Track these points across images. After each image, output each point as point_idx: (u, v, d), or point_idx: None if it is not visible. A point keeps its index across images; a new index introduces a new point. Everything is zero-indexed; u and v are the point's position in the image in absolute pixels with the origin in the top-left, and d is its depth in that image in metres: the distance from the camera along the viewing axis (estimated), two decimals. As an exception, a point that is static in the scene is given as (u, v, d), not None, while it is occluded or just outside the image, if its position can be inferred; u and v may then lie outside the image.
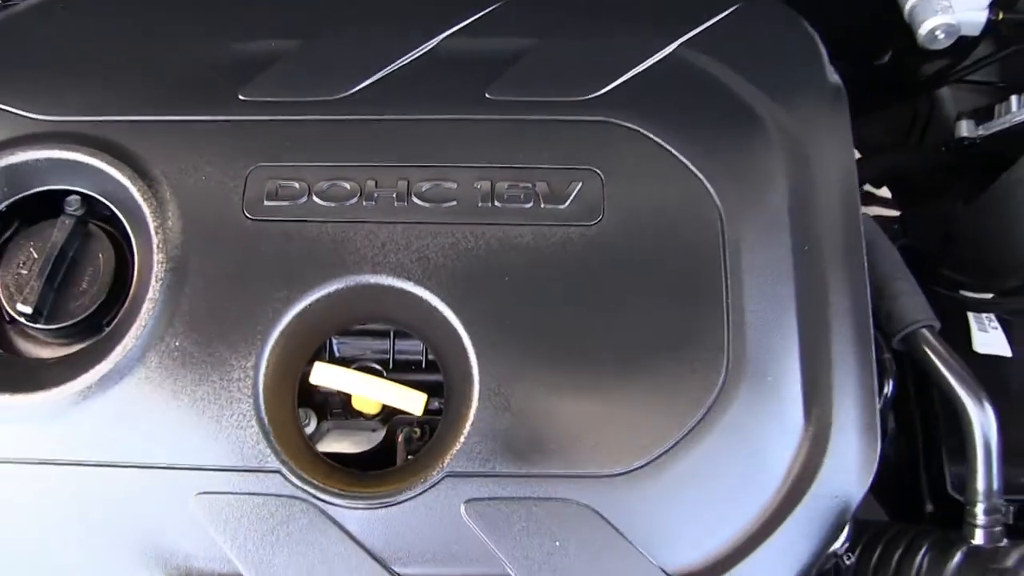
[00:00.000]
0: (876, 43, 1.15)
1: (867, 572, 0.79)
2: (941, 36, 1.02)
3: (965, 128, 1.06)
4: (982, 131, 1.08)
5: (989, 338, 0.92)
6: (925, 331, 0.81)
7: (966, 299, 0.93)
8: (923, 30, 1.01)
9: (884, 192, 1.41)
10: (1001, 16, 1.02)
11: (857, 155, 0.96)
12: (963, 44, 1.16)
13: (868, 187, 1.35)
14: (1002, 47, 1.12)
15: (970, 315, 0.90)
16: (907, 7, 1.04)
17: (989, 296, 0.91)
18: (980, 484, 0.76)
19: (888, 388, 0.90)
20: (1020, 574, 0.68)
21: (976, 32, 1.03)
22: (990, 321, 0.91)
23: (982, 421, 0.77)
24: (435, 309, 0.70)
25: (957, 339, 0.95)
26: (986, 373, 0.94)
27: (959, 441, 0.76)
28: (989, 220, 0.94)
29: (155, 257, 0.70)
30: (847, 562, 0.76)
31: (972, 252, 0.96)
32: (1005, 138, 1.02)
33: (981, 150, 1.11)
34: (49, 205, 0.76)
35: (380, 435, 0.77)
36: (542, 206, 0.73)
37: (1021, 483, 1.02)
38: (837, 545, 0.75)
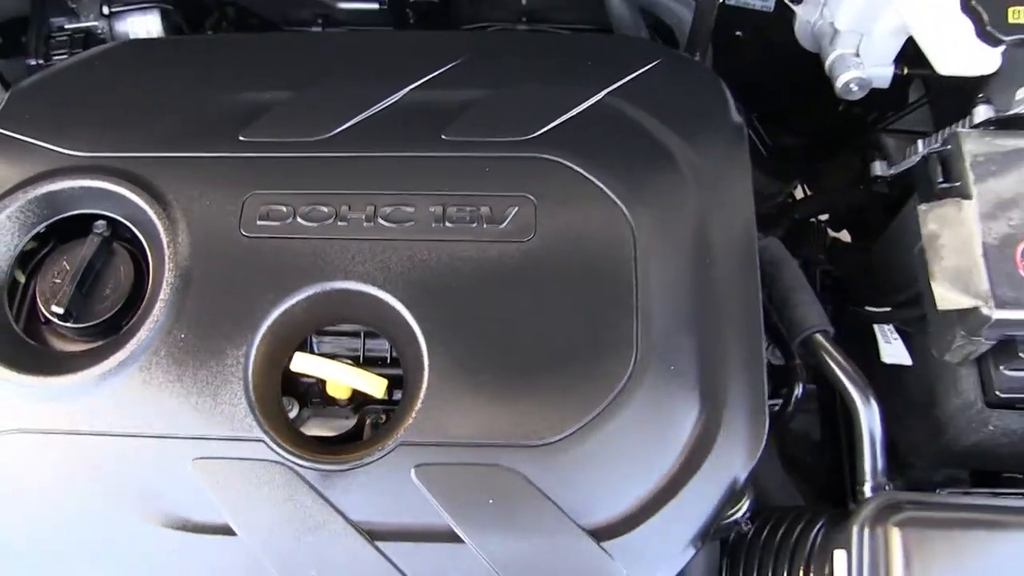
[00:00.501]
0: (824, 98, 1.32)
1: (773, 544, 0.94)
2: (855, 88, 1.20)
3: (879, 168, 1.23)
4: (893, 170, 1.25)
5: (892, 349, 1.08)
6: (819, 336, 0.97)
7: (870, 313, 1.09)
8: (839, 83, 1.20)
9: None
10: (906, 71, 1.20)
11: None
12: (895, 96, 1.34)
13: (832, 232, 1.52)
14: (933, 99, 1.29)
15: (875, 327, 1.07)
16: (827, 63, 1.22)
17: (888, 309, 1.08)
18: (867, 466, 0.91)
19: (798, 390, 1.05)
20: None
21: (886, 85, 1.20)
22: (891, 332, 1.07)
23: (867, 413, 0.93)
24: (394, 309, 0.87)
25: (870, 351, 1.11)
26: (891, 380, 1.10)
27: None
28: (890, 249, 1.10)
29: (166, 267, 0.88)
30: (744, 528, 0.91)
31: (881, 276, 1.12)
32: (911, 177, 1.18)
33: (898, 188, 1.28)
34: (79, 226, 0.95)
35: (352, 421, 0.94)
36: (484, 226, 0.90)
37: (934, 480, 1.17)
38: (740, 515, 0.91)
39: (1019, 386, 0.93)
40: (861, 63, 1.18)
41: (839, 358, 0.95)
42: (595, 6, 1.30)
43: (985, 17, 0.90)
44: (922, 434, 1.06)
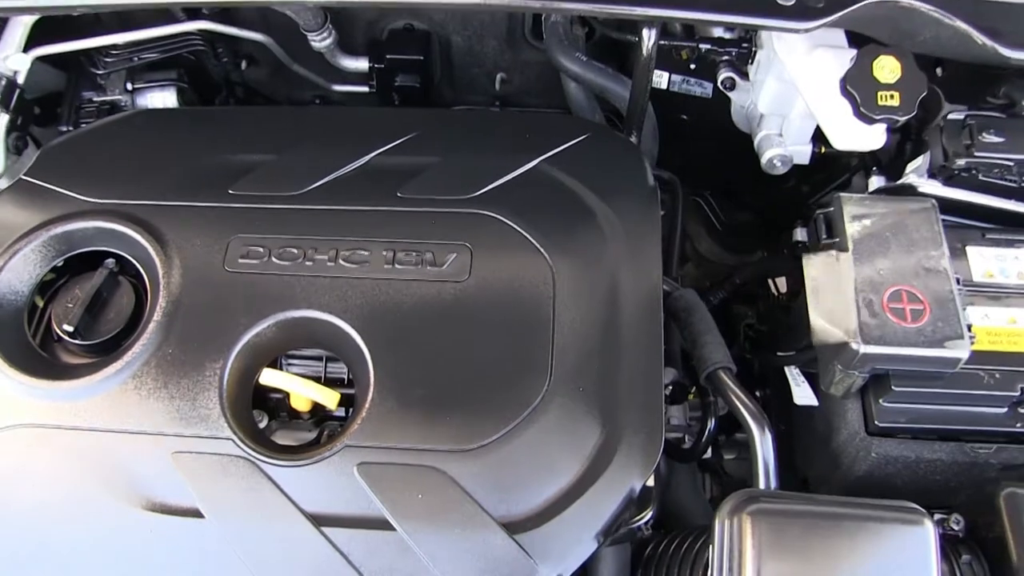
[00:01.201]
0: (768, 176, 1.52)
1: (679, 554, 1.10)
2: (778, 164, 1.40)
3: (799, 234, 1.42)
4: (808, 237, 1.44)
5: (802, 391, 1.25)
6: (721, 372, 1.15)
7: (780, 357, 1.26)
8: (764, 159, 1.40)
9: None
10: (823, 149, 1.40)
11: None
12: (837, 171, 1.52)
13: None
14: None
15: (786, 371, 1.24)
16: (756, 142, 1.43)
17: (793, 353, 1.25)
18: (761, 486, 1.08)
19: (711, 424, 1.22)
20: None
21: (806, 161, 1.40)
22: (799, 376, 1.24)
23: (762, 441, 1.09)
24: (347, 334, 1.06)
25: (788, 394, 1.28)
26: (803, 420, 1.27)
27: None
28: (802, 304, 1.27)
29: (160, 295, 1.09)
30: (645, 532, 1.07)
31: (795, 328, 1.30)
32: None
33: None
34: (90, 261, 1.16)
35: (313, 433, 1.12)
36: (427, 268, 1.10)
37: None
38: (642, 522, 1.07)
39: (895, 416, 1.09)
40: (783, 142, 1.39)
41: (737, 391, 1.12)
42: (557, 92, 1.53)
43: (858, 99, 1.10)
44: (824, 466, 1.21)
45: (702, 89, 1.48)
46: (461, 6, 1.12)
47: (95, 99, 1.46)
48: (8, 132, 1.34)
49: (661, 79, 1.47)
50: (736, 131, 1.49)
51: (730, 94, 1.45)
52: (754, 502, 0.91)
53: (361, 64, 1.56)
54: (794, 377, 1.24)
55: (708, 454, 1.28)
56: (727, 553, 0.89)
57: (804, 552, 0.88)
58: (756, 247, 1.77)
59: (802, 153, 1.39)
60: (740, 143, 1.48)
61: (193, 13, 1.46)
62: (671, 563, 1.10)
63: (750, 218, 1.72)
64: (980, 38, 1.07)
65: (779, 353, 1.27)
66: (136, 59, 1.47)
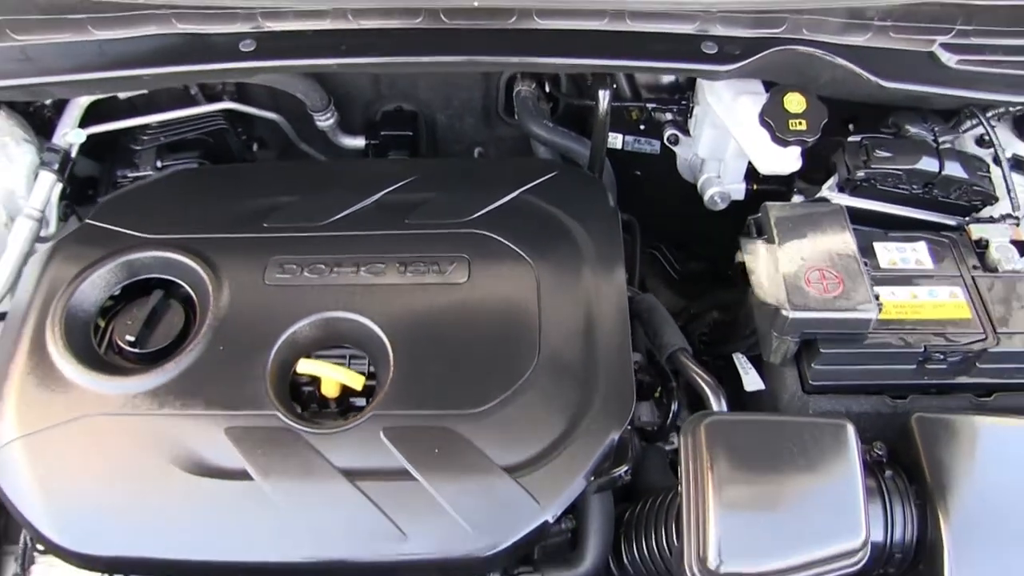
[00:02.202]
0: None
1: (654, 509, 1.34)
2: (718, 200, 1.73)
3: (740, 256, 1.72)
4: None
5: (750, 378, 1.52)
6: (679, 353, 1.43)
7: (730, 346, 1.55)
8: (707, 197, 1.73)
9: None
10: (755, 186, 1.72)
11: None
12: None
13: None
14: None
15: (735, 358, 1.52)
16: (699, 185, 1.76)
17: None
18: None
19: (674, 406, 1.48)
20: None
21: (741, 197, 1.73)
22: (747, 363, 1.52)
23: (718, 405, 1.36)
24: (370, 329, 1.33)
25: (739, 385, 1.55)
26: (754, 403, 1.53)
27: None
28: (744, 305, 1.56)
29: (211, 306, 1.35)
30: (625, 478, 1.32)
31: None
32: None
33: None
34: (140, 292, 1.43)
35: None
36: (433, 274, 1.38)
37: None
38: (621, 471, 1.32)
39: (825, 376, 1.37)
40: (721, 181, 1.72)
41: (695, 367, 1.40)
42: (527, 149, 1.86)
43: (774, 127, 1.43)
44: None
45: (651, 147, 1.82)
46: (436, 64, 1.43)
47: (129, 174, 1.75)
48: (60, 198, 1.63)
49: (616, 140, 1.81)
50: (682, 182, 1.82)
51: (675, 148, 1.79)
52: (709, 416, 1.18)
53: (358, 142, 1.88)
54: (742, 365, 1.52)
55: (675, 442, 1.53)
56: (691, 459, 1.14)
57: (751, 450, 1.14)
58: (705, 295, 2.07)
59: (738, 190, 1.71)
60: (686, 193, 1.80)
61: (215, 98, 1.78)
62: (647, 518, 1.34)
63: (702, 267, 2.03)
64: (864, 75, 1.42)
65: (730, 344, 1.55)
66: (163, 138, 1.78)
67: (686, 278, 2.04)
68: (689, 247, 2.02)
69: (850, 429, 1.16)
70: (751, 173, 1.69)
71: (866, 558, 1.11)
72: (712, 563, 1.09)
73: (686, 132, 1.75)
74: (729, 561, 1.09)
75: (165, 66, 1.42)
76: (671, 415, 1.47)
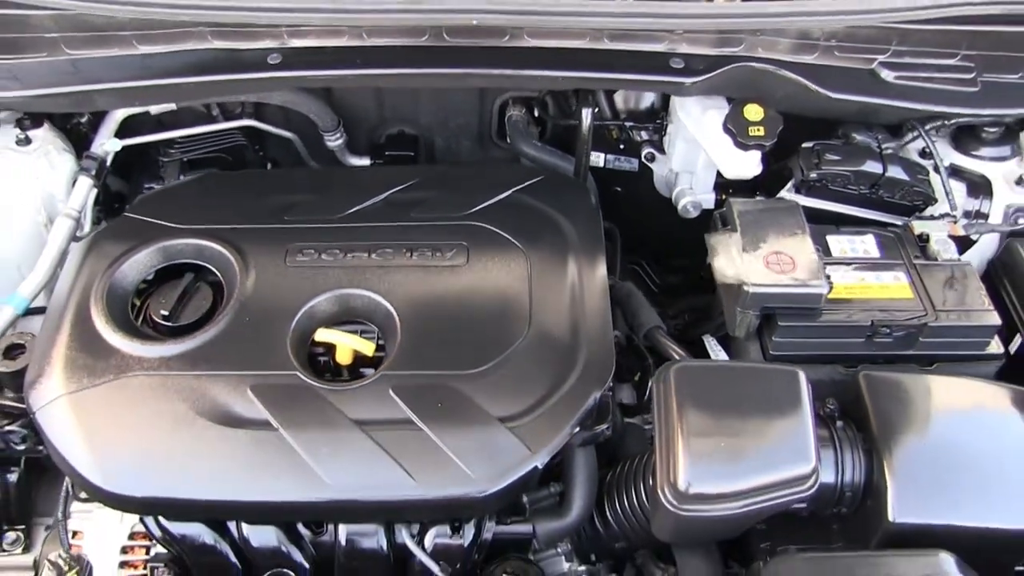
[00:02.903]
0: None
1: (633, 468, 1.52)
2: (691, 209, 1.95)
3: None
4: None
5: (718, 356, 1.72)
6: (654, 331, 1.63)
7: (702, 330, 1.76)
8: (680, 206, 1.95)
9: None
10: (724, 196, 1.94)
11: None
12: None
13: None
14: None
15: (705, 340, 1.72)
16: (673, 196, 1.98)
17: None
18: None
19: (650, 381, 1.67)
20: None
21: (712, 205, 1.95)
22: (716, 345, 1.72)
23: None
24: (380, 303, 1.53)
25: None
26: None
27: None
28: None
29: (238, 284, 1.55)
30: (606, 434, 1.50)
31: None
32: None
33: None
34: (176, 272, 1.63)
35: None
36: (435, 257, 1.59)
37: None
38: (602, 428, 1.51)
39: (784, 348, 1.57)
40: (693, 191, 1.94)
41: (669, 341, 1.61)
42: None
43: (736, 133, 1.66)
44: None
45: (630, 164, 2.04)
46: (439, 77, 1.67)
47: (154, 186, 1.97)
48: (94, 202, 1.84)
49: (598, 159, 2.04)
50: (659, 196, 2.04)
51: (652, 165, 2.01)
52: (678, 363, 1.38)
53: (364, 162, 2.10)
54: (711, 346, 1.72)
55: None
56: (663, 399, 1.34)
57: (715, 391, 1.35)
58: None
59: (708, 199, 1.93)
60: (662, 206, 2.03)
61: (233, 118, 2.00)
62: (626, 477, 1.53)
63: (679, 280, 2.24)
64: (814, 87, 1.66)
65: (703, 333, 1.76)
66: (186, 156, 2.00)
67: (665, 291, 2.24)
68: (667, 259, 2.23)
69: (801, 375, 1.36)
70: (720, 185, 1.91)
71: (816, 484, 1.30)
72: (682, 486, 1.27)
73: (661, 150, 1.99)
74: (696, 484, 1.28)
75: (201, 76, 1.64)
76: (648, 391, 1.66)
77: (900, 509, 1.35)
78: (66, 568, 1.30)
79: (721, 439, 1.31)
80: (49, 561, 1.33)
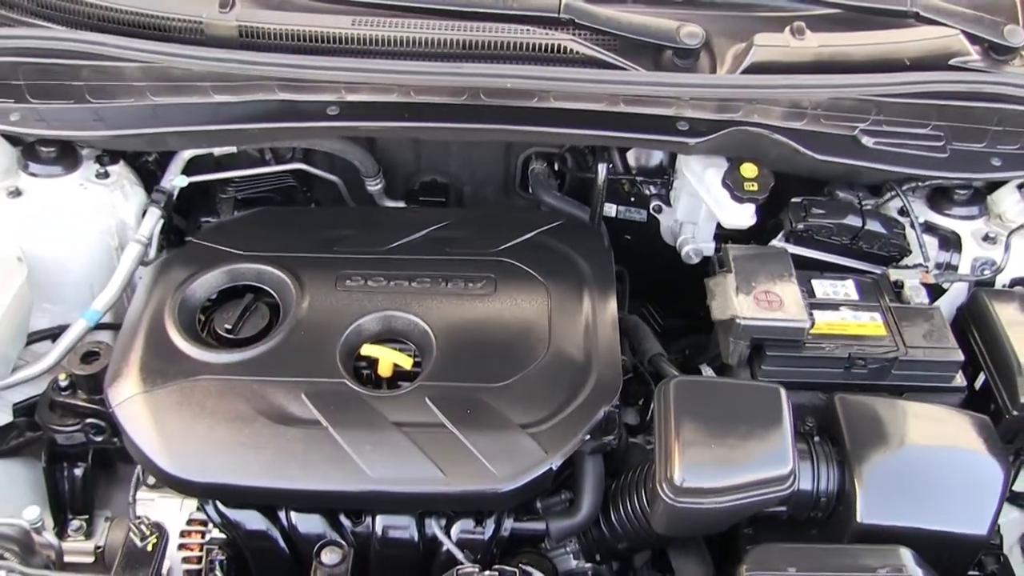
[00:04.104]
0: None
1: (638, 476, 1.77)
2: (693, 256, 2.22)
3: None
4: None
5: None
6: (657, 357, 1.90)
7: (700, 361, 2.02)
8: (683, 252, 2.22)
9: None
10: (722, 246, 2.22)
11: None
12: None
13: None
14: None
15: (701, 368, 1.98)
16: (678, 244, 2.26)
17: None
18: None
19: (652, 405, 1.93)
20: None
21: (712, 253, 2.22)
22: (710, 371, 1.97)
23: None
24: (418, 324, 1.80)
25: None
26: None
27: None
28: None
29: (294, 304, 1.82)
30: (612, 444, 1.75)
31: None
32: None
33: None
34: (237, 293, 1.90)
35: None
36: (467, 288, 1.87)
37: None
38: (608, 439, 1.76)
39: (771, 376, 1.82)
40: (695, 240, 2.22)
41: (669, 366, 1.88)
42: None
43: (732, 187, 1.95)
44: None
45: (639, 215, 2.33)
46: (476, 131, 1.96)
47: (211, 221, 2.25)
48: (160, 231, 2.12)
49: (610, 210, 2.32)
50: (665, 244, 2.32)
51: (659, 216, 2.30)
52: (676, 379, 1.65)
53: (399, 205, 2.39)
54: (707, 373, 1.98)
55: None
56: (662, 408, 1.60)
57: (707, 401, 1.61)
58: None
59: (708, 247, 2.21)
60: (668, 254, 2.31)
61: (284, 162, 2.29)
62: (629, 485, 1.77)
63: (682, 323, 2.51)
64: (802, 150, 1.95)
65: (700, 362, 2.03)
66: (240, 194, 2.29)
67: (667, 332, 2.51)
68: (671, 303, 2.50)
69: (782, 391, 1.62)
70: (719, 235, 2.19)
71: (793, 484, 1.55)
72: (677, 481, 1.53)
73: (668, 203, 2.27)
74: (689, 480, 1.53)
75: (267, 123, 1.94)
76: (650, 413, 1.92)
77: (867, 512, 1.60)
78: (148, 533, 1.55)
79: (712, 443, 1.57)
80: (133, 525, 1.57)
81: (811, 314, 1.81)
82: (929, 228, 2.09)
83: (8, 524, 1.78)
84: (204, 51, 1.93)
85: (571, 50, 1.93)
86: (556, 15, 1.95)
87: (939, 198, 2.13)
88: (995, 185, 2.13)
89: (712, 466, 1.55)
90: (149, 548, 1.55)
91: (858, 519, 1.59)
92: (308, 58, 1.90)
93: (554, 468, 1.65)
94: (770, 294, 1.82)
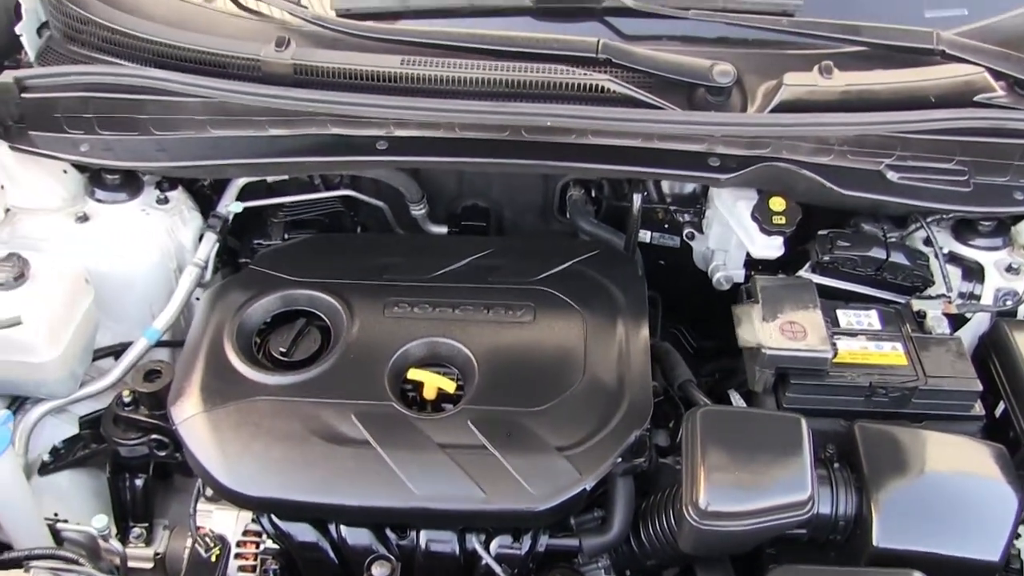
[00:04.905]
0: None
1: (667, 497, 1.91)
2: (724, 283, 2.36)
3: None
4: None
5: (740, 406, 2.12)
6: (687, 383, 2.04)
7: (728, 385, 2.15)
8: (714, 279, 2.36)
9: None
10: (752, 273, 2.35)
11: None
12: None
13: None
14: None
15: (729, 393, 2.11)
16: (709, 271, 2.39)
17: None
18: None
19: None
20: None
21: (742, 280, 2.35)
22: (738, 396, 2.11)
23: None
24: (462, 350, 1.94)
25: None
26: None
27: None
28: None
29: (345, 329, 1.98)
30: (643, 466, 1.90)
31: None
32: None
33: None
34: (290, 317, 2.06)
35: (432, 420, 1.98)
36: (507, 315, 2.01)
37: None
38: (639, 461, 1.90)
39: (795, 403, 1.95)
40: (726, 267, 2.36)
41: (698, 393, 2.01)
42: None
43: (761, 220, 2.08)
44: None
45: (672, 241, 2.46)
46: (517, 166, 2.11)
47: (263, 242, 2.42)
48: (216, 254, 2.29)
49: (645, 235, 2.46)
50: (697, 270, 2.46)
51: (691, 243, 2.43)
52: (702, 408, 1.79)
53: (442, 229, 2.54)
54: (736, 400, 2.11)
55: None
56: (689, 435, 1.74)
57: (731, 430, 1.74)
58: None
59: (739, 274, 2.34)
60: (700, 279, 2.44)
61: (333, 187, 2.45)
62: (658, 505, 1.91)
63: (714, 344, 2.64)
64: (828, 185, 2.07)
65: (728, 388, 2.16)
66: (289, 217, 2.45)
67: (700, 353, 2.65)
68: (703, 325, 2.64)
69: (803, 421, 1.75)
70: (749, 262, 2.32)
71: (813, 510, 1.68)
72: (702, 504, 1.66)
73: (700, 231, 2.40)
74: (714, 504, 1.66)
75: (320, 156, 2.10)
76: (679, 437, 2.06)
77: (882, 536, 1.72)
78: (212, 545, 1.71)
79: (735, 469, 1.70)
80: (198, 537, 1.74)
81: (834, 344, 1.94)
82: (953, 258, 2.20)
83: (79, 531, 1.96)
84: (261, 87, 2.08)
85: (608, 89, 2.06)
86: (594, 55, 2.09)
87: (964, 229, 2.24)
88: (1020, 216, 2.23)
89: (735, 491, 1.69)
90: (213, 559, 1.71)
91: (874, 543, 1.72)
92: (359, 95, 2.05)
93: (587, 489, 1.79)
94: (795, 324, 1.95)
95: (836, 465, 1.83)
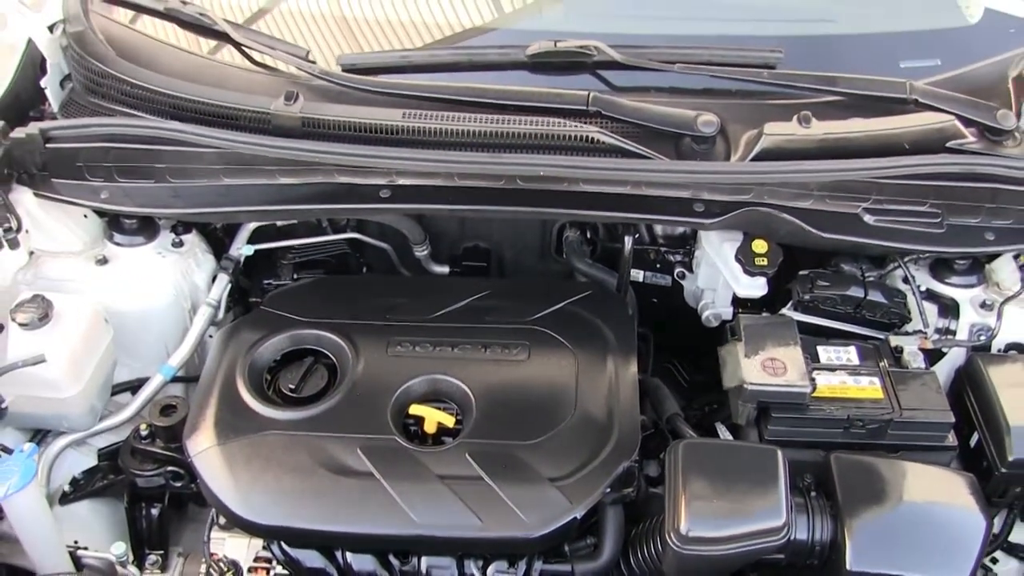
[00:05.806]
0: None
1: (654, 526, 2.07)
2: (712, 319, 2.52)
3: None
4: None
5: (726, 438, 2.28)
6: (675, 417, 2.20)
7: (715, 418, 2.31)
8: (703, 316, 2.53)
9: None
10: (739, 310, 2.51)
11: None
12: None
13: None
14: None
15: (716, 426, 2.27)
16: (699, 308, 2.56)
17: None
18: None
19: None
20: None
21: (729, 317, 2.51)
22: (724, 428, 2.27)
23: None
24: (460, 386, 2.11)
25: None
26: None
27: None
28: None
29: (350, 367, 2.15)
30: (632, 496, 2.05)
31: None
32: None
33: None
34: (298, 355, 2.23)
35: (433, 452, 2.14)
36: (504, 354, 2.18)
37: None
38: (628, 491, 2.06)
39: (777, 435, 2.11)
40: (715, 305, 2.52)
41: (684, 426, 2.18)
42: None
43: (744, 262, 2.25)
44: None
45: (664, 280, 2.63)
46: (513, 212, 2.29)
47: (272, 282, 2.60)
48: (228, 294, 2.47)
49: (637, 275, 2.63)
50: (688, 307, 2.62)
51: (682, 282, 2.60)
52: (684, 441, 1.95)
53: (444, 269, 2.72)
54: (722, 432, 2.27)
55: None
56: (672, 466, 1.90)
57: (711, 461, 1.91)
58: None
59: (727, 312, 2.51)
60: (690, 316, 2.61)
61: (340, 230, 2.63)
62: (646, 533, 2.07)
63: (706, 378, 2.80)
64: (809, 228, 2.24)
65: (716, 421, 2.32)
66: (298, 258, 2.63)
67: (693, 386, 2.81)
68: (695, 359, 2.80)
69: (779, 452, 1.92)
70: (735, 300, 2.49)
71: (789, 535, 1.84)
72: (683, 531, 1.83)
73: (690, 270, 2.57)
74: (694, 530, 1.82)
75: (326, 204, 2.29)
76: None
77: (855, 560, 1.87)
78: (226, 570, 1.88)
79: (715, 498, 1.87)
80: (212, 563, 1.91)
81: (813, 379, 2.10)
82: (930, 295, 2.37)
83: (98, 557, 2.13)
84: (271, 139, 2.27)
85: (598, 140, 2.24)
86: (585, 107, 2.27)
87: (940, 267, 2.41)
88: (994, 255, 2.40)
89: (714, 518, 1.85)
90: (226, 583, 1.88)
91: (848, 567, 1.87)
92: (363, 147, 2.23)
93: (578, 517, 1.95)
94: (776, 361, 2.12)
95: (813, 493, 1.98)
